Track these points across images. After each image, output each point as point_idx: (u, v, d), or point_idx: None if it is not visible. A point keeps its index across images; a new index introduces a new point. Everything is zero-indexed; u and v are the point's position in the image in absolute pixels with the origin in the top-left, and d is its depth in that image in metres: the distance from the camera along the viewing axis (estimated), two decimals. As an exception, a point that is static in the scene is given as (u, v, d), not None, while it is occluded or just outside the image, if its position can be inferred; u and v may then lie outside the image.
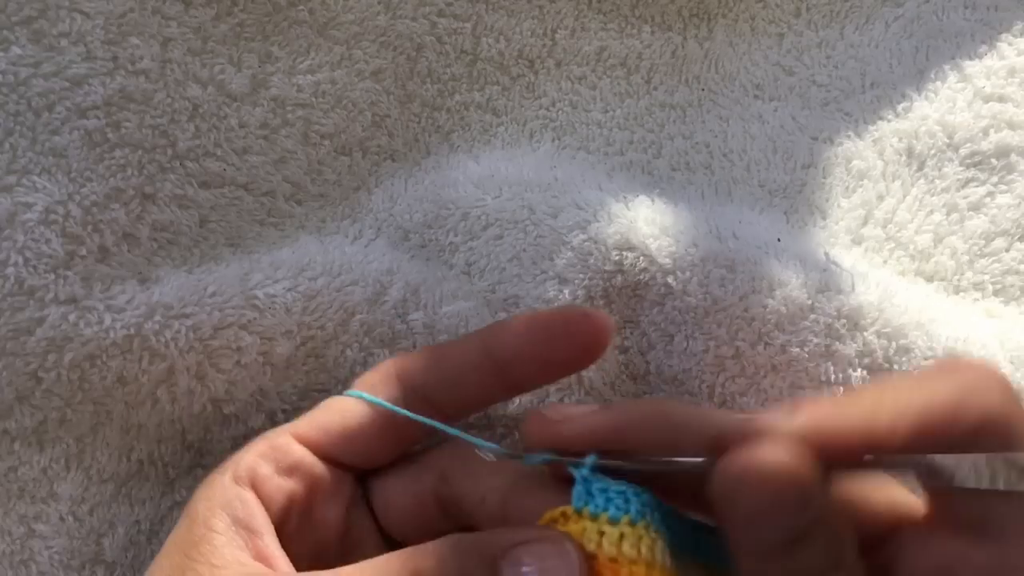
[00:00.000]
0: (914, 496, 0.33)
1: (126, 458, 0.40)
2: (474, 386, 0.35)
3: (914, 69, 0.47)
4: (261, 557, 0.33)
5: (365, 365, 0.40)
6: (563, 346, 0.34)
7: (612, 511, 0.30)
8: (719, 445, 0.29)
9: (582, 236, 0.40)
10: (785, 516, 0.28)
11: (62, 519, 0.39)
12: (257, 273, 0.40)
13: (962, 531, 0.30)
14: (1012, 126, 0.44)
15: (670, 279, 0.40)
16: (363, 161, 0.45)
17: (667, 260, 0.40)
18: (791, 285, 0.39)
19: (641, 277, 0.40)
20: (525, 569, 0.30)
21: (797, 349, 0.39)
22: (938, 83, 0.46)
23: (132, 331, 0.38)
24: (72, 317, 0.38)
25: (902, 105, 0.46)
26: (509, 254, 0.41)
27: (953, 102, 0.45)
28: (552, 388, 0.39)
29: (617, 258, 0.40)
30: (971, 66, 0.46)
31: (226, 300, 0.39)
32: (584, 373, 0.39)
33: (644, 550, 0.30)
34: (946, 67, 0.46)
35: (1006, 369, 0.38)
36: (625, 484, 0.31)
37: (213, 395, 0.39)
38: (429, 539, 0.35)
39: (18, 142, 0.38)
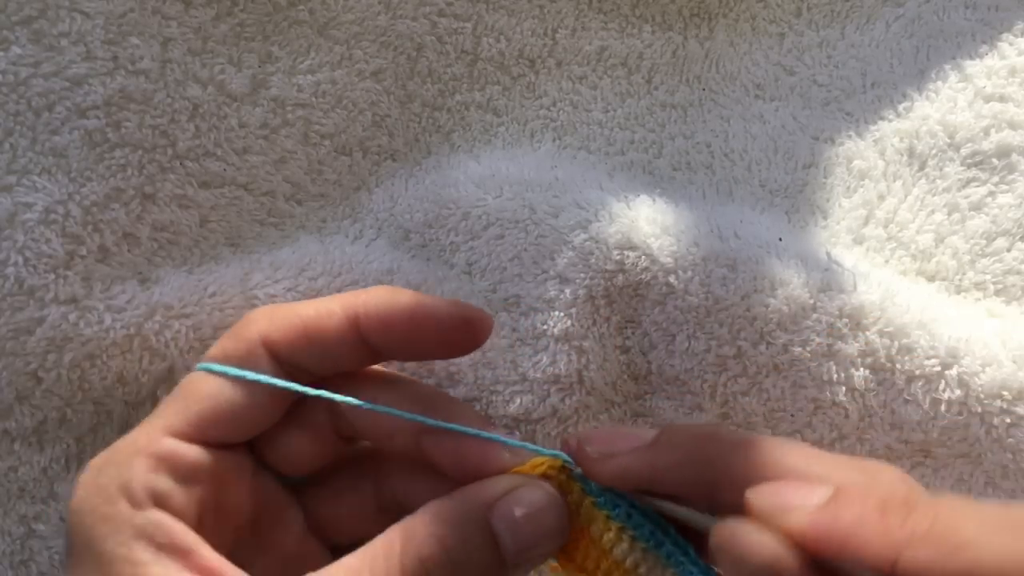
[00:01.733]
0: None
1: (126, 459, 0.40)
2: (346, 359, 0.35)
3: (915, 69, 0.47)
4: (205, 572, 0.31)
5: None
6: (438, 348, 0.35)
7: (602, 500, 0.33)
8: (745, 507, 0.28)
9: (583, 235, 0.40)
10: None
11: (62, 519, 0.39)
12: (257, 273, 0.40)
13: None
14: (1013, 126, 0.44)
15: (672, 278, 0.40)
16: (363, 161, 0.45)
17: (668, 259, 0.40)
18: (793, 284, 0.39)
19: (643, 276, 0.40)
20: (518, 513, 0.31)
21: (799, 348, 0.39)
22: (939, 83, 0.46)
23: (132, 331, 0.38)
24: (72, 317, 0.38)
25: (903, 105, 0.46)
26: (510, 254, 0.41)
27: (954, 102, 0.45)
28: (553, 389, 0.39)
29: (618, 257, 0.40)
30: (972, 66, 0.46)
31: (226, 300, 0.39)
32: (585, 373, 0.39)
33: (605, 539, 0.32)
34: (947, 67, 0.46)
35: (1009, 368, 0.38)
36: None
37: (213, 395, 0.39)
38: (336, 467, 0.37)
39: (18, 142, 0.38)
